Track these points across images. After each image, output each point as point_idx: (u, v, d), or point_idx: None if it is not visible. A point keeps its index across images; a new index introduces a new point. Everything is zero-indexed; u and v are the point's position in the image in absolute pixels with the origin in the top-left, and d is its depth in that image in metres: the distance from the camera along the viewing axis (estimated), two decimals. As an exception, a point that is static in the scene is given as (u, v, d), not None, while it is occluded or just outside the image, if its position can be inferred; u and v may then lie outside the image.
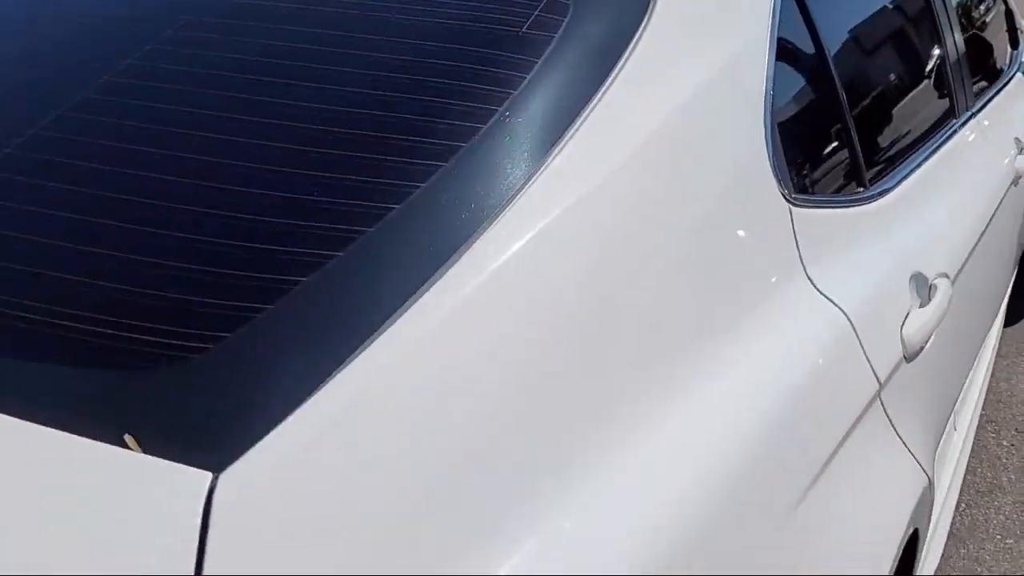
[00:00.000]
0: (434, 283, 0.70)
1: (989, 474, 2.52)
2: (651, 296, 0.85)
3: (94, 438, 0.60)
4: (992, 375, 2.58)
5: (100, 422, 0.61)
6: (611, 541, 0.69)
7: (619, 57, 0.93)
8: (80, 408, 0.62)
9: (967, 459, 2.15)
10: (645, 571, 0.70)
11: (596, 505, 0.71)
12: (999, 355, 2.84)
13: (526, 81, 0.87)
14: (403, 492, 0.62)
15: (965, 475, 2.18)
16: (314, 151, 0.78)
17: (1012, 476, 2.50)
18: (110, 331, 0.66)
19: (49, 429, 0.60)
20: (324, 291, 0.68)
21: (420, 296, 0.69)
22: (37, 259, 0.73)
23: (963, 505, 2.36)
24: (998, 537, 2.30)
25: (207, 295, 0.68)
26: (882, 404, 1.12)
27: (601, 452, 0.74)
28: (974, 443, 2.37)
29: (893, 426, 1.15)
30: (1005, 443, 2.63)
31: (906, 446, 1.17)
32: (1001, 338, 2.71)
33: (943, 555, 2.17)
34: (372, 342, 0.65)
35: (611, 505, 0.72)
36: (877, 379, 1.10)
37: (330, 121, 0.81)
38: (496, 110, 0.83)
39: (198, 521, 0.56)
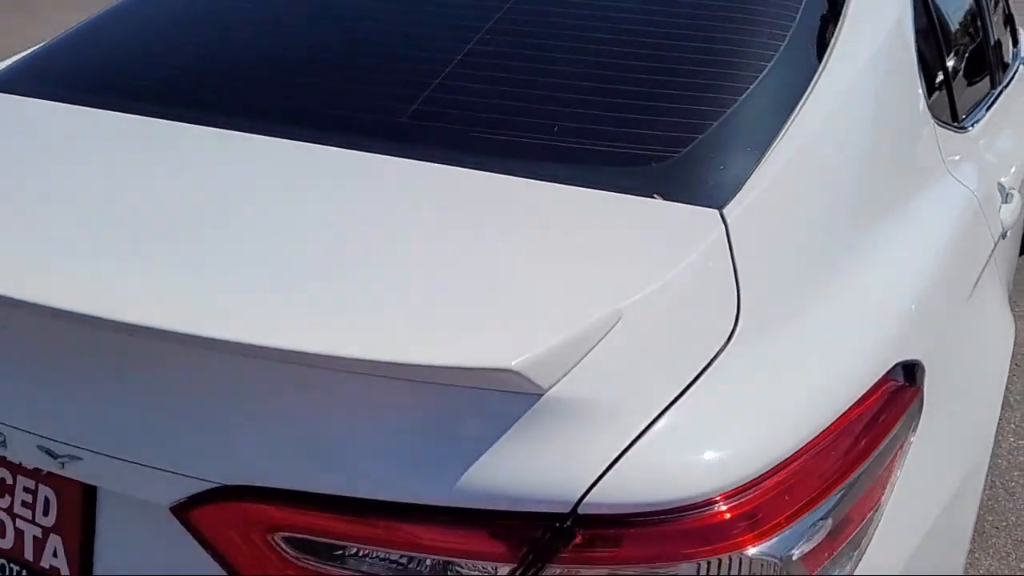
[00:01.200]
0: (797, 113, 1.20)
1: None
2: (881, 167, 1.35)
3: (640, 195, 1.07)
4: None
5: (640, 189, 1.08)
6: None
7: (840, 14, 1.42)
8: (627, 180, 1.10)
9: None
10: (913, 304, 1.18)
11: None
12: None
13: (797, 17, 1.36)
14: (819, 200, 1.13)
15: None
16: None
17: (1017, 396, 3.04)
18: (656, 148, 1.15)
19: (610, 193, 1.08)
20: (747, 112, 1.17)
21: (792, 119, 1.18)
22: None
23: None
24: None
25: (690, 119, 1.17)
26: (994, 259, 1.62)
27: (874, 247, 1.23)
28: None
29: (999, 278, 1.65)
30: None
31: (1008, 297, 1.68)
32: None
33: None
34: (778, 140, 1.14)
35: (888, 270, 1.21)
36: (992, 238, 1.60)
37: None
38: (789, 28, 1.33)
39: (723, 231, 1.03)
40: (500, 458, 0.83)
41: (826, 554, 0.92)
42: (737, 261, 1.02)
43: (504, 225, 1.06)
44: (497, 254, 1.00)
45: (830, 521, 0.92)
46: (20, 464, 1.08)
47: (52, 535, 1.07)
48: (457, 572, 0.86)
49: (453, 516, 0.84)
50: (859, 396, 0.99)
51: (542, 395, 0.84)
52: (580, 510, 0.82)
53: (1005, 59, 2.75)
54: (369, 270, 0.98)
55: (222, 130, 1.26)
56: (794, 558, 0.88)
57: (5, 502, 1.11)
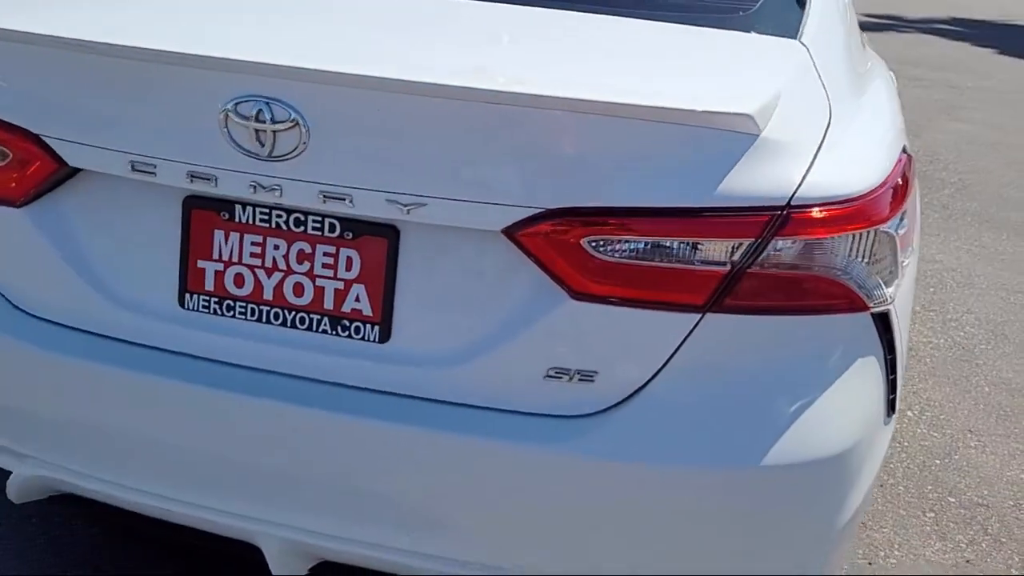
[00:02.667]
0: None
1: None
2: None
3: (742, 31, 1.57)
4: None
5: (740, 28, 1.57)
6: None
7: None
8: (729, 23, 1.58)
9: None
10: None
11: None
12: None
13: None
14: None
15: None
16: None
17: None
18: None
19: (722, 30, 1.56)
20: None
21: None
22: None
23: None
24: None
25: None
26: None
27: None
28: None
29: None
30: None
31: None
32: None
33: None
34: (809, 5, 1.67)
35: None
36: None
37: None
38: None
39: (806, 52, 1.54)
40: (735, 175, 1.30)
41: (906, 240, 1.47)
42: (818, 69, 1.53)
43: (674, 46, 1.52)
44: (686, 61, 1.47)
45: (906, 222, 1.47)
46: (321, 235, 1.41)
47: (355, 285, 1.42)
48: (707, 250, 1.32)
49: (704, 213, 1.30)
50: (899, 155, 1.55)
51: (757, 135, 1.31)
52: (792, 202, 1.31)
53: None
54: (625, 61, 1.45)
55: None
56: (898, 235, 1.42)
57: (304, 267, 1.43)
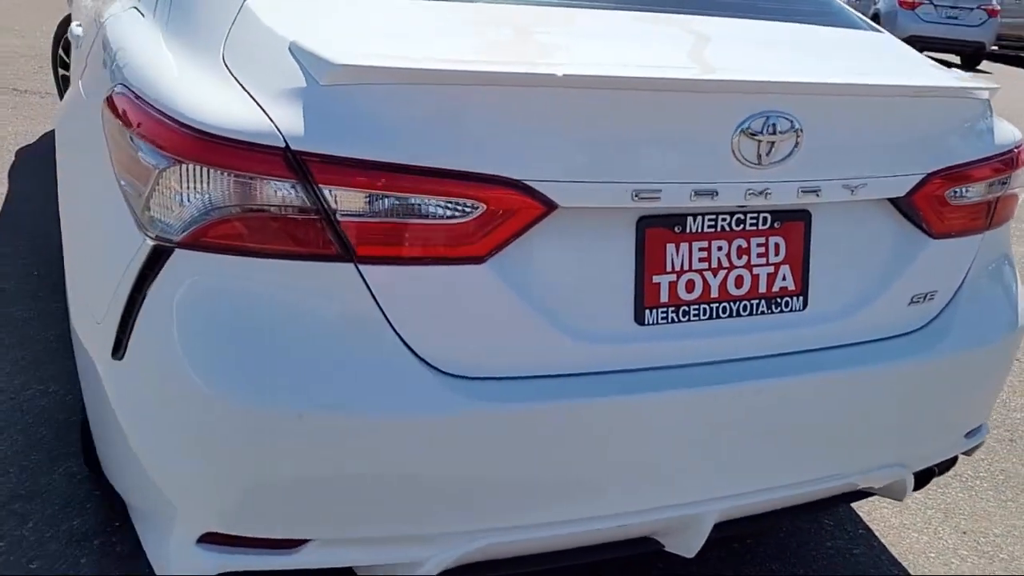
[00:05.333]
0: None
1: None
2: None
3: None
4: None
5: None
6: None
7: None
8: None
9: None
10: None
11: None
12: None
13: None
14: None
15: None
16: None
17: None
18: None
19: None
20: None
21: None
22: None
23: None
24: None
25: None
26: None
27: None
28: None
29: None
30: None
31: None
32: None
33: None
34: None
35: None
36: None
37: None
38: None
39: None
40: (997, 129, 1.84)
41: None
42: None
43: (845, 41, 1.98)
44: (879, 54, 1.94)
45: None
46: (757, 228, 1.61)
47: (782, 266, 1.65)
48: (992, 185, 1.83)
49: (996, 159, 1.82)
50: None
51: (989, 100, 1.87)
52: (1018, 145, 1.89)
53: None
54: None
55: None
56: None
57: (742, 260, 1.62)
